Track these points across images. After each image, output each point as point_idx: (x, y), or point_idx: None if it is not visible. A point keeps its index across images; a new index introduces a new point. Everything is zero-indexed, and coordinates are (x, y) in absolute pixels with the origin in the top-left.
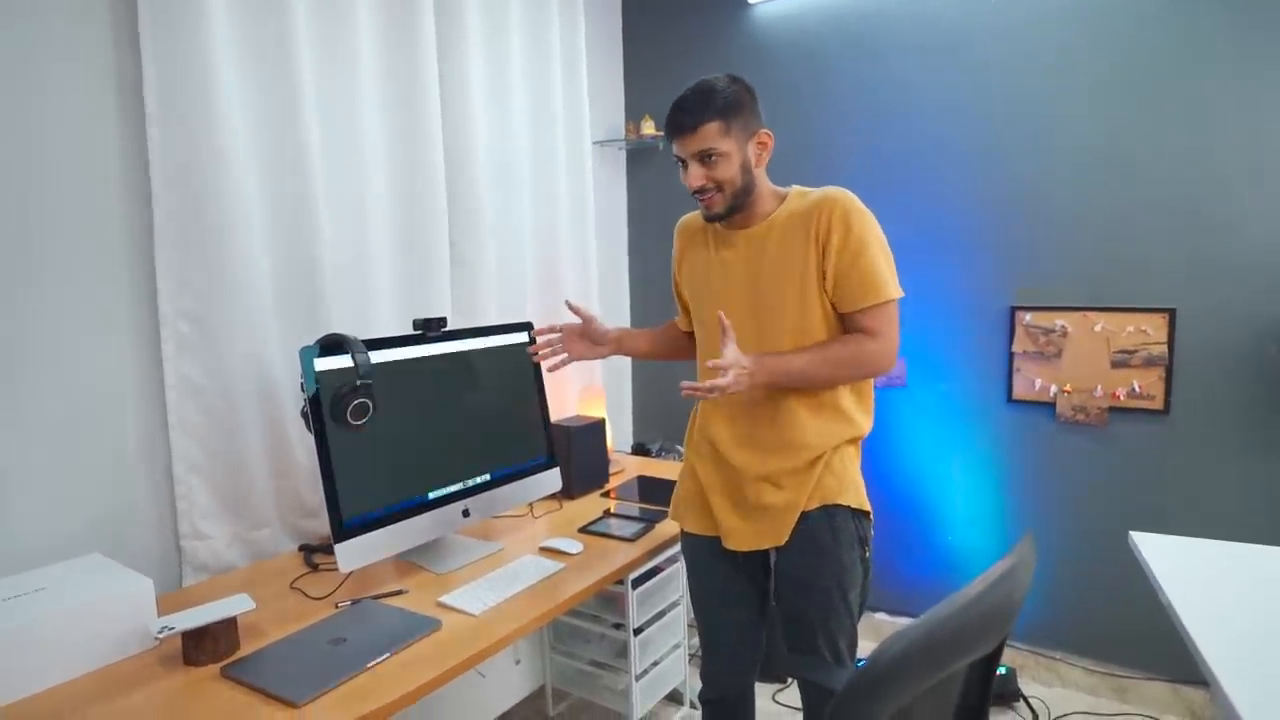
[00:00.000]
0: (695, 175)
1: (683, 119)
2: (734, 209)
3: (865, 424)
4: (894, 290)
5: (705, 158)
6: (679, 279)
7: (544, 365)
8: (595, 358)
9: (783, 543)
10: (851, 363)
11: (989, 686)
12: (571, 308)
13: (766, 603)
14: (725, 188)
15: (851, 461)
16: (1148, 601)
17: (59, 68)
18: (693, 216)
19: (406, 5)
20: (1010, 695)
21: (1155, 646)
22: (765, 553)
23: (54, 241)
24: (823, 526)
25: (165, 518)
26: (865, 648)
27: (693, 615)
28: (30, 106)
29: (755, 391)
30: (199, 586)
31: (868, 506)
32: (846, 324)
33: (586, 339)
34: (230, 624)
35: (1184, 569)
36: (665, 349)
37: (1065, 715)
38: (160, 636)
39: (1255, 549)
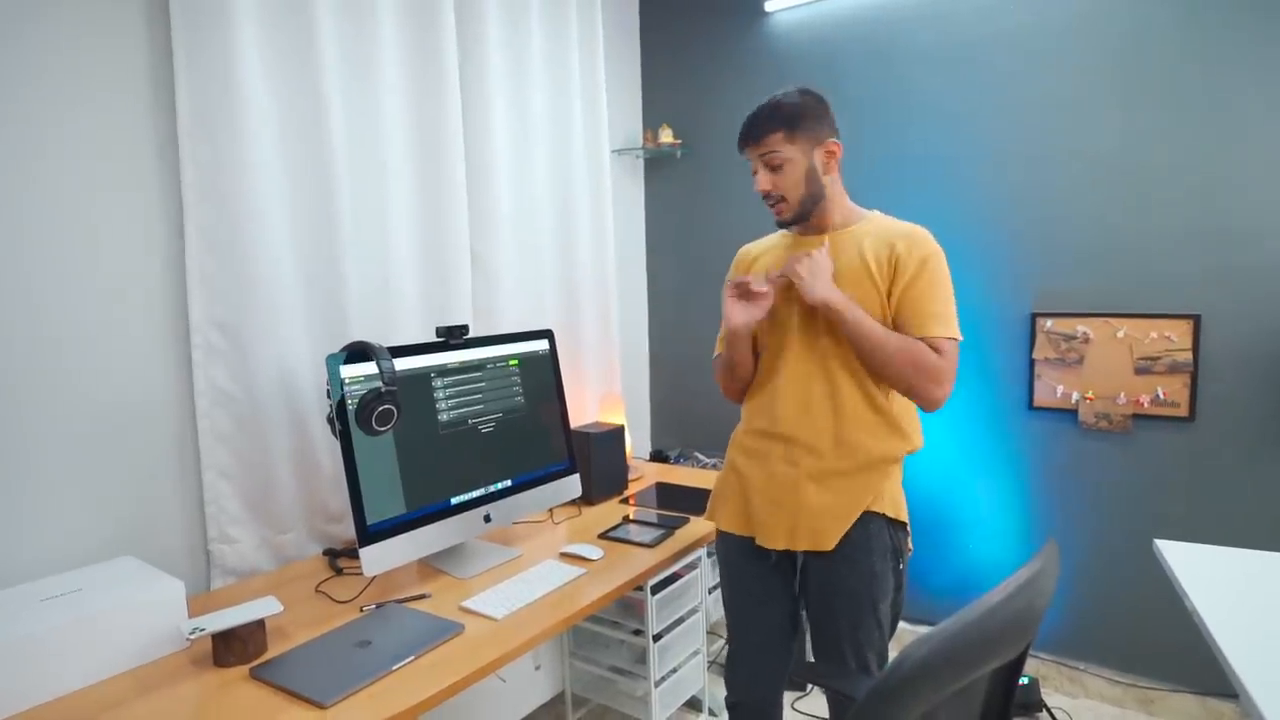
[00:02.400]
0: (763, 179)
1: (749, 128)
2: (803, 215)
3: (918, 439)
4: (957, 330)
5: (770, 163)
6: None
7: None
8: (747, 319)
9: (821, 548)
10: (914, 362)
11: (1011, 695)
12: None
13: (798, 611)
14: (791, 194)
15: (893, 471)
16: (1173, 611)
17: (93, 81)
18: (756, 243)
19: (428, 17)
20: (1033, 706)
21: (1182, 657)
22: (795, 557)
23: (88, 250)
24: (855, 534)
25: (194, 521)
26: (890, 656)
27: (713, 621)
28: (66, 119)
29: (824, 395)
30: (226, 589)
31: (905, 518)
32: None
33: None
34: (259, 626)
35: (1211, 578)
36: (749, 367)
37: None
38: (191, 638)
39: None
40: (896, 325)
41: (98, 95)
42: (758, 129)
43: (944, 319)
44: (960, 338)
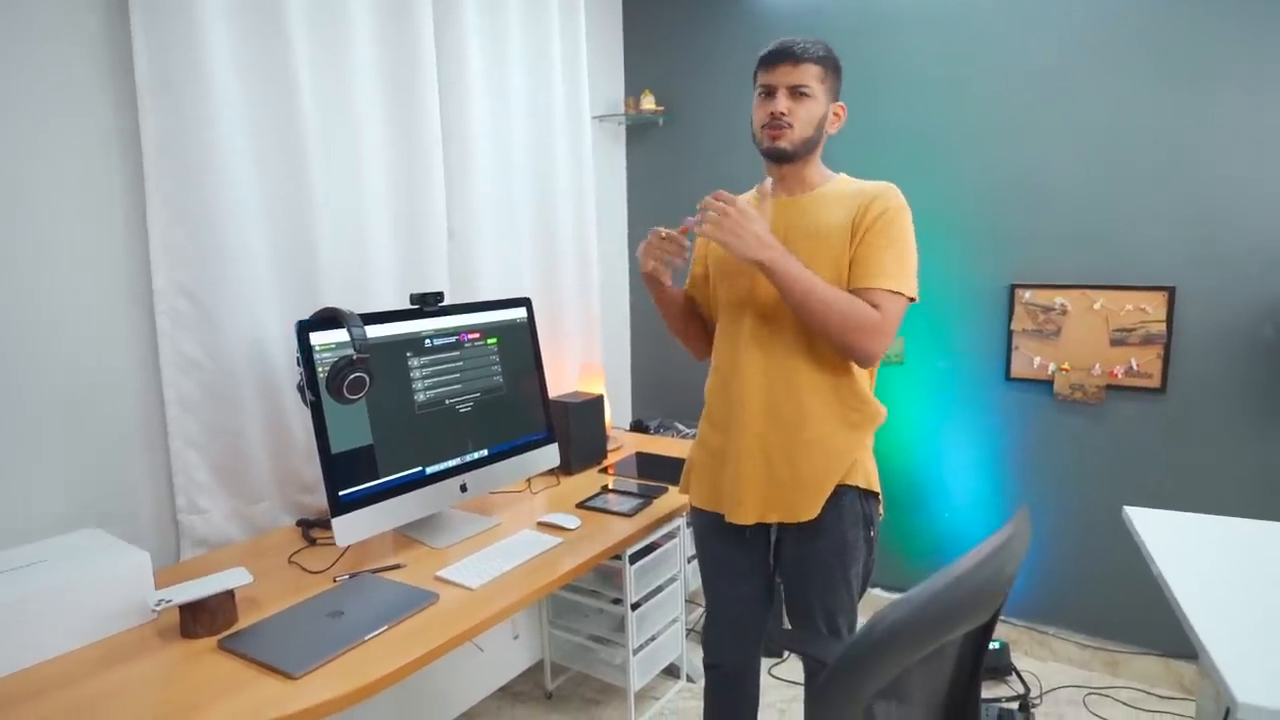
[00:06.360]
0: (782, 102)
1: (792, 49)
2: (797, 154)
3: (882, 409)
4: (906, 286)
5: (797, 92)
6: (708, 261)
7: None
8: (653, 271)
9: (795, 520)
10: (847, 313)
11: (981, 658)
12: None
13: (773, 578)
14: (799, 127)
15: (862, 443)
16: (1140, 577)
17: (46, 38)
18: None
19: None
20: (1003, 669)
21: (1147, 621)
22: (769, 528)
23: (45, 215)
24: (828, 506)
25: (163, 492)
26: (861, 623)
27: (691, 590)
28: (17, 78)
29: (785, 367)
30: (197, 560)
31: (877, 488)
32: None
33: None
34: (228, 597)
35: (1176, 543)
36: (682, 312)
37: (1057, 688)
38: (157, 609)
39: (1246, 523)
40: (849, 276)
41: (47, 51)
42: (802, 53)
43: (890, 272)
44: (908, 294)
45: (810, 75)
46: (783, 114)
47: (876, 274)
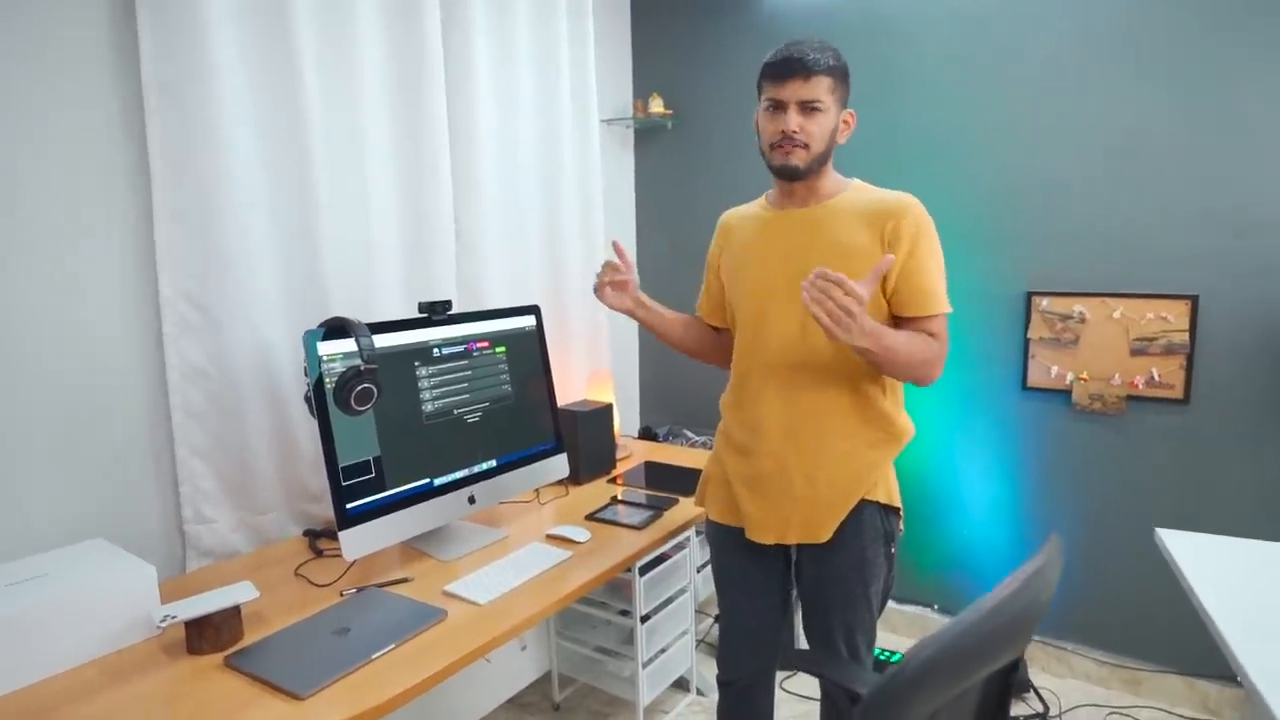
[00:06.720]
0: (793, 120)
1: (803, 62)
2: (809, 171)
3: (911, 428)
4: (948, 302)
5: (808, 107)
6: (721, 274)
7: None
8: (617, 306)
9: (814, 541)
10: (923, 358)
11: (1009, 691)
12: (617, 249)
13: (789, 594)
14: (812, 145)
15: (885, 460)
16: (1162, 592)
17: (51, 39)
18: (735, 211)
19: None
20: (1020, 686)
21: (1169, 639)
22: (789, 549)
23: (50, 220)
24: (849, 522)
25: (168, 502)
26: (880, 637)
27: (701, 600)
28: (21, 79)
29: (805, 387)
30: (203, 571)
31: (898, 503)
32: (904, 328)
33: (616, 283)
34: (233, 613)
35: (1215, 570)
36: (686, 336)
37: (1076, 707)
38: (162, 625)
39: None
40: (893, 302)
41: (52, 52)
42: (814, 66)
43: (939, 294)
44: (951, 310)
45: (822, 88)
46: (795, 132)
47: (926, 302)
